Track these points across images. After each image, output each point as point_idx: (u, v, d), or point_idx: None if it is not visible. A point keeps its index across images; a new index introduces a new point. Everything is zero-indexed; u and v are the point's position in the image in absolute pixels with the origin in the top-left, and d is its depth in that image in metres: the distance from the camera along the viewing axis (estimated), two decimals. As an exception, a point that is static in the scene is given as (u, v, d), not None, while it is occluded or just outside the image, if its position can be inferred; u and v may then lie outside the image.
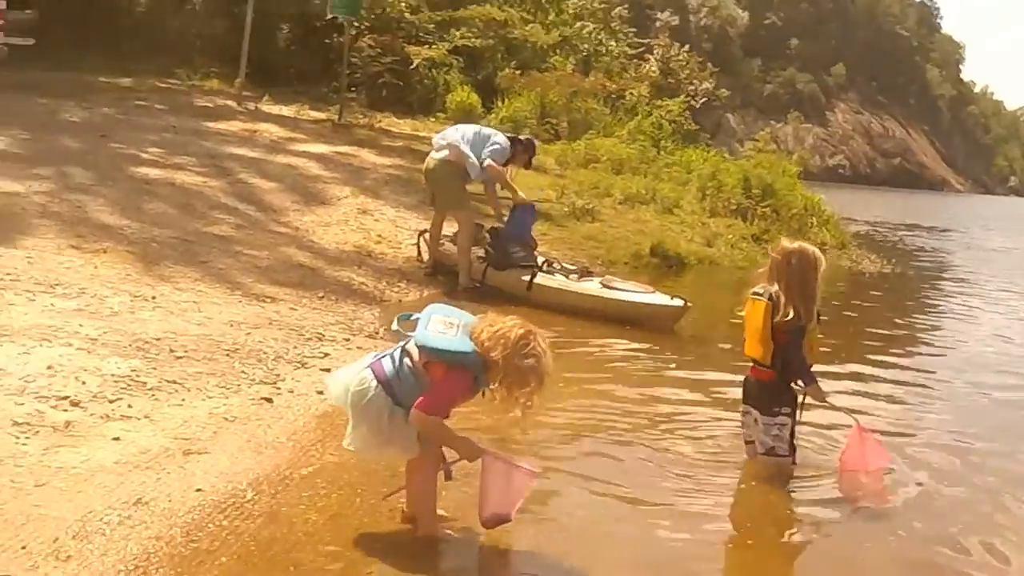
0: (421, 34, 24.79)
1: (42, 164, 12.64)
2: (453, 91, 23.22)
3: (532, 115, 22.47)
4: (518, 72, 24.49)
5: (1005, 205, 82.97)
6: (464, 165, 11.27)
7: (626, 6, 37.22)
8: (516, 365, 4.55)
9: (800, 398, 6.27)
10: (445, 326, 4.66)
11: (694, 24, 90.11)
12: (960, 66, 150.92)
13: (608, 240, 15.01)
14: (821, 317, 6.28)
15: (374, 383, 4.66)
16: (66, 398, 5.95)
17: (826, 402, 6.35)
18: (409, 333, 4.74)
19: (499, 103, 22.98)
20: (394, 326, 4.89)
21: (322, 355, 7.82)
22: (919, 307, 15.89)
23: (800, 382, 6.19)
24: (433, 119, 22.33)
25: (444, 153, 11.43)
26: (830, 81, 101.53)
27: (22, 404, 5.76)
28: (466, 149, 11.27)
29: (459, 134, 11.54)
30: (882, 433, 7.02)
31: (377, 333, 8.96)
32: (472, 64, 25.07)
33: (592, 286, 11.02)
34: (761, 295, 6.17)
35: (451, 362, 4.57)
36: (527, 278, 11.20)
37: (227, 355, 7.32)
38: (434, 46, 24.07)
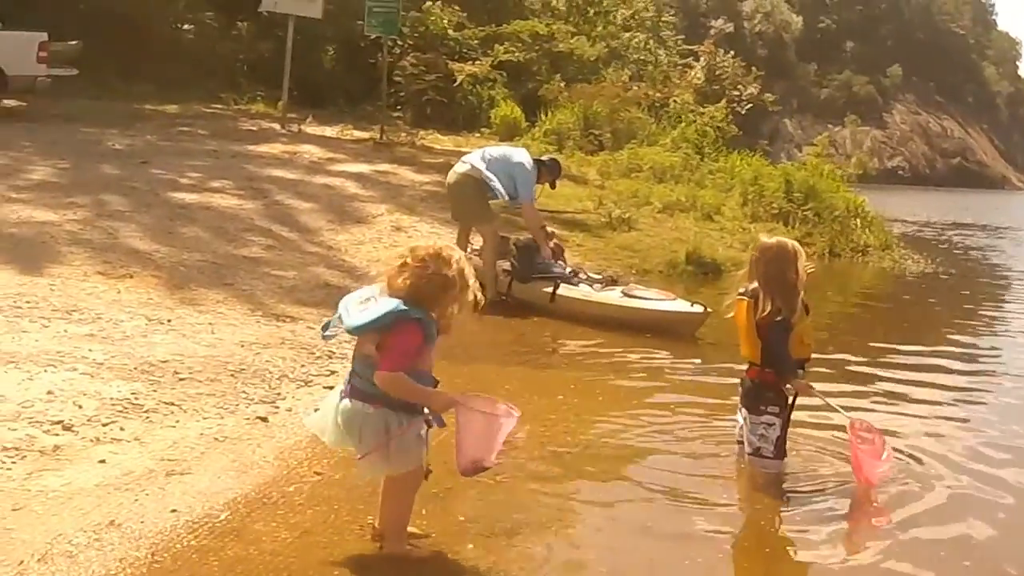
0: (465, 50, 24.86)
1: (79, 192, 12.85)
2: (497, 106, 23.27)
3: (575, 127, 22.44)
4: (562, 85, 24.44)
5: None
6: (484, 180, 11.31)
7: (674, 14, 37.21)
8: (431, 283, 4.55)
9: (790, 399, 6.17)
10: (362, 303, 4.65)
11: (748, 30, 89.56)
12: (1017, 63, 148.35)
13: (644, 249, 14.96)
14: (808, 309, 6.19)
15: (362, 405, 4.64)
16: (59, 422, 6.01)
17: (813, 395, 6.28)
18: (339, 328, 4.75)
19: (542, 116, 22.94)
20: (325, 334, 4.90)
21: (328, 372, 7.84)
22: (955, 307, 15.54)
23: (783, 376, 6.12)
24: (478, 134, 22.40)
25: (466, 167, 11.49)
26: (887, 82, 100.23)
27: (14, 429, 5.83)
28: (488, 174, 11.38)
29: (483, 157, 11.65)
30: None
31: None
32: (516, 78, 25.11)
33: (613, 295, 11.01)
34: (744, 294, 6.12)
35: (387, 324, 4.51)
36: (550, 289, 11.17)
37: (231, 375, 7.37)
38: (478, 62, 24.13)
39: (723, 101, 25.26)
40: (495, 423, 4.74)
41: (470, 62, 24.16)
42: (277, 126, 20.31)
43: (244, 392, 7.06)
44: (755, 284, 6.11)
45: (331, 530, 5.09)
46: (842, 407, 6.58)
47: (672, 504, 5.88)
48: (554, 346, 10.32)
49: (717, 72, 28.43)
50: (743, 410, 6.34)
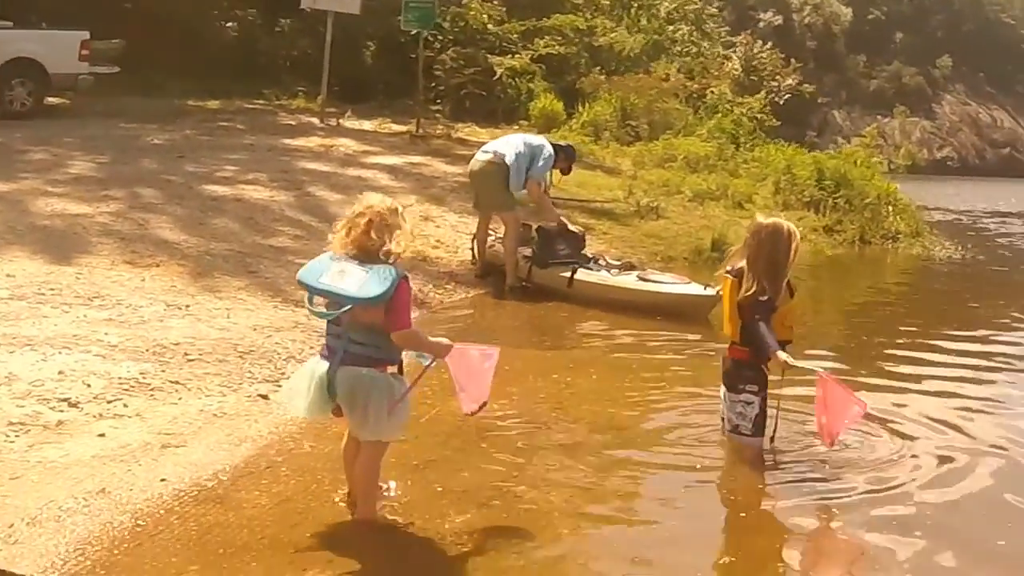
0: (505, 44, 24.96)
1: (115, 186, 13.13)
2: (536, 99, 23.37)
3: (612, 118, 22.50)
4: (602, 77, 24.48)
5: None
6: (508, 167, 11.49)
7: (723, 7, 37.06)
8: (410, 239, 5.05)
9: (770, 378, 6.26)
10: (340, 276, 4.86)
11: (798, 23, 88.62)
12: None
13: (670, 236, 15.06)
14: (793, 291, 6.28)
15: (367, 371, 4.91)
16: (66, 400, 6.27)
17: (791, 368, 6.13)
18: (320, 311, 5.07)
19: (580, 108, 23.03)
20: (321, 312, 5.10)
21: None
22: (976, 292, 15.59)
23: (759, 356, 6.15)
24: (516, 127, 22.43)
25: (488, 156, 11.68)
26: (936, 73, 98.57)
27: (22, 406, 6.10)
28: (513, 161, 11.55)
29: (508, 145, 11.86)
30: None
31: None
32: (556, 71, 25.17)
33: (629, 280, 11.16)
34: (730, 272, 6.21)
35: (391, 295, 4.80)
36: (567, 274, 11.33)
37: (240, 356, 7.60)
38: (517, 56, 24.24)
39: (761, 92, 25.23)
40: (484, 361, 5.30)
41: (510, 56, 24.25)
42: (316, 120, 20.56)
43: (250, 372, 7.29)
44: (742, 263, 6.18)
45: (310, 498, 5.30)
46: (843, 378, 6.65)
47: (649, 476, 6.04)
48: (565, 328, 10.50)
49: (754, 63, 28.34)
50: (723, 388, 6.43)
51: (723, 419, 6.47)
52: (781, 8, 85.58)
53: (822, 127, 77.94)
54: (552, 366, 8.56)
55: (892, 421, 7.27)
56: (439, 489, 5.53)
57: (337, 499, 5.28)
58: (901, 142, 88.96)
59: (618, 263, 11.83)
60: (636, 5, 31.55)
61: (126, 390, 6.58)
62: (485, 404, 5.35)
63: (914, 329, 11.77)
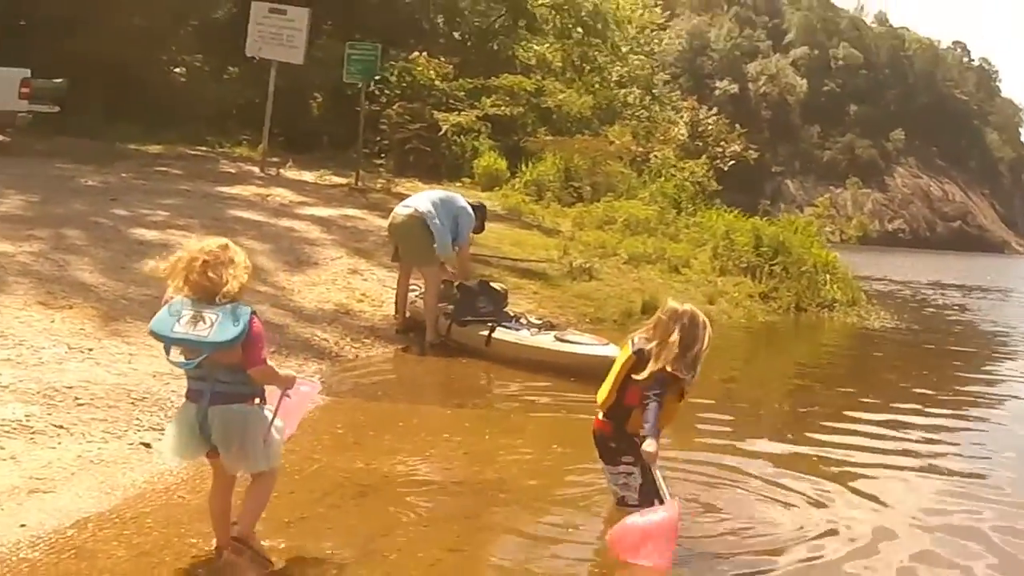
0: (452, 101, 25.06)
1: (42, 226, 12.95)
2: (480, 156, 23.46)
3: (556, 178, 22.60)
4: (547, 138, 24.63)
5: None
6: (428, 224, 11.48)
7: (680, 75, 37.64)
8: (247, 274, 5.06)
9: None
10: (193, 322, 4.86)
11: (753, 92, 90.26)
12: (1020, 129, 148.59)
13: (600, 298, 15.05)
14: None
15: (239, 406, 5.01)
16: (-58, 441, 6.09)
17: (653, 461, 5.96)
18: (179, 361, 5.04)
19: (523, 167, 23.12)
20: (188, 362, 5.03)
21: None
22: (907, 361, 15.72)
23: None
24: (459, 184, 22.51)
25: (410, 210, 11.66)
26: (889, 146, 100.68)
27: None
28: (435, 221, 11.58)
29: (428, 201, 11.85)
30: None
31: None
32: (503, 130, 25.30)
33: (546, 340, 11.12)
34: (636, 348, 6.13)
35: (246, 335, 4.87)
36: (485, 333, 11.28)
37: (131, 403, 7.48)
38: (463, 112, 24.34)
39: (703, 157, 25.48)
40: (309, 397, 5.63)
41: (456, 112, 24.34)
42: (256, 169, 20.47)
43: (138, 419, 7.16)
44: (651, 344, 6.08)
45: (169, 552, 5.18)
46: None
47: (517, 543, 5.90)
48: (476, 387, 10.45)
49: (700, 128, 28.66)
50: (601, 462, 6.36)
51: (612, 492, 6.38)
52: (737, 77, 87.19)
53: (775, 196, 79.20)
54: (450, 425, 8.48)
55: (816, 495, 7.24)
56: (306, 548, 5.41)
57: (197, 553, 5.15)
58: (853, 213, 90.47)
59: (538, 322, 11.79)
60: (587, 68, 31.87)
61: (7, 432, 6.45)
62: (290, 435, 5.54)
63: (840, 400, 11.77)
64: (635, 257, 17.60)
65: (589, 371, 10.51)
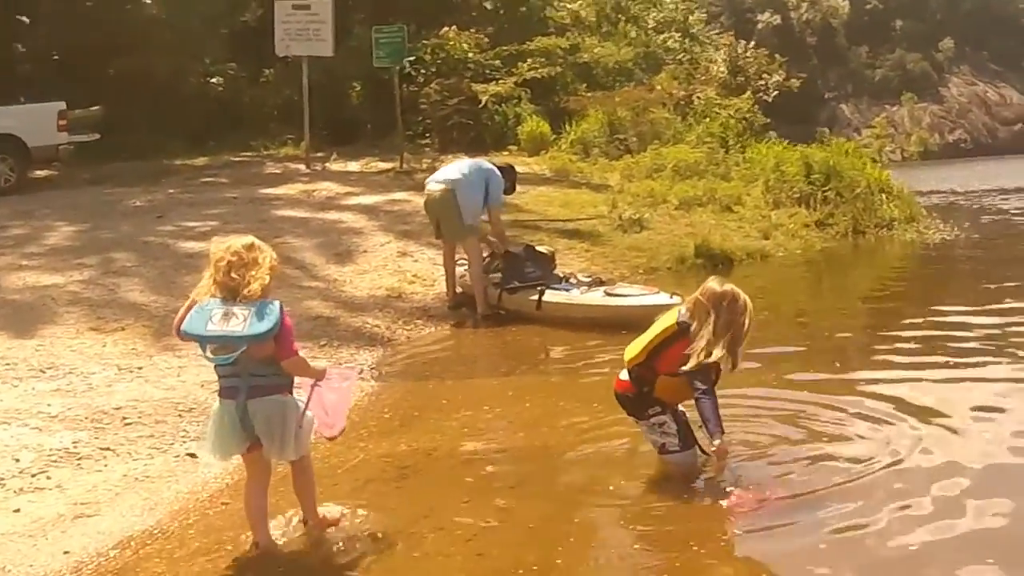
0: (488, 71, 24.89)
1: (90, 253, 13.12)
2: (523, 122, 23.31)
3: (600, 134, 22.36)
4: (588, 94, 24.35)
5: None
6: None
7: (720, 12, 37.06)
8: (272, 273, 5.22)
9: None
10: (225, 319, 5.03)
11: (796, 20, 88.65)
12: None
13: (652, 247, 14.88)
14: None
15: (277, 397, 5.20)
16: (-10, 477, 6.15)
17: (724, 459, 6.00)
18: (215, 358, 5.19)
19: (567, 127, 22.91)
20: (225, 359, 5.16)
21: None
22: (967, 274, 15.47)
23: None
24: (506, 152, 22.41)
25: (443, 184, 11.62)
26: (940, 57, 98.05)
27: (-51, 486, 5.99)
28: (464, 191, 11.60)
29: (458, 171, 11.92)
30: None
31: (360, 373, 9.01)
32: (543, 93, 25.10)
33: (596, 296, 11.03)
34: (679, 315, 6.06)
35: (279, 327, 5.04)
36: (535, 297, 11.20)
37: (178, 415, 7.51)
38: (501, 81, 24.16)
39: (747, 92, 25.02)
40: (348, 391, 5.77)
41: (494, 82, 24.17)
42: (303, 167, 20.52)
43: (184, 431, 7.19)
44: (697, 324, 5.93)
45: (208, 561, 5.14)
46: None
47: (577, 499, 5.83)
48: (528, 355, 10.39)
49: (739, 63, 28.12)
50: (633, 419, 6.27)
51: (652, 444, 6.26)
52: (778, 8, 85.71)
53: (831, 122, 77.76)
54: (495, 396, 8.45)
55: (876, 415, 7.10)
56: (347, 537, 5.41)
57: (229, 561, 5.15)
58: (912, 129, 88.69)
59: (588, 280, 11.69)
60: (623, 19, 31.49)
61: (54, 462, 6.50)
62: (343, 430, 5.66)
63: (904, 319, 11.50)
64: (686, 202, 17.34)
65: (640, 322, 10.39)
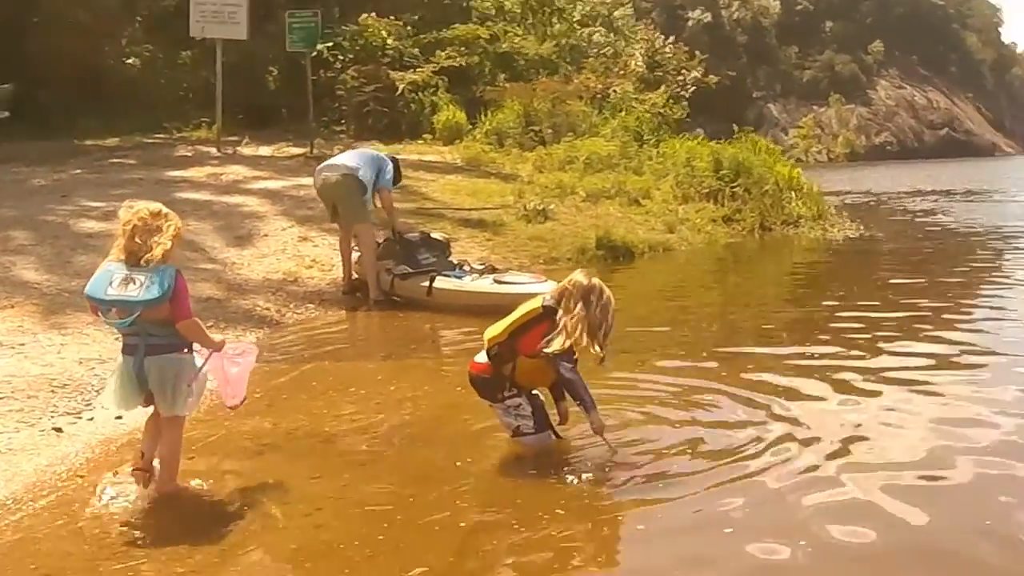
0: (406, 59, 24.94)
1: (-11, 231, 12.99)
2: (439, 111, 23.39)
3: (516, 124, 22.50)
4: (506, 85, 24.48)
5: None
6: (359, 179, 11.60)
7: (651, 8, 37.37)
8: (175, 238, 5.54)
9: None
10: (124, 284, 5.36)
11: (727, 19, 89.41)
12: (999, 29, 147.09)
13: (555, 238, 15.08)
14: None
15: (171, 355, 5.56)
16: None
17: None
18: (114, 320, 5.54)
19: (483, 117, 23.02)
20: (123, 321, 5.51)
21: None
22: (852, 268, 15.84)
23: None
24: (420, 141, 22.52)
25: (341, 170, 11.76)
26: (869, 59, 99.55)
27: None
28: (365, 172, 11.82)
29: (353, 159, 12.18)
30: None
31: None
32: (462, 82, 25.17)
33: (485, 283, 11.18)
34: (544, 300, 6.20)
35: (171, 292, 5.37)
36: (426, 283, 11.33)
37: (51, 391, 7.54)
38: (419, 69, 24.23)
39: (661, 88, 25.33)
40: (246, 364, 5.96)
41: (412, 70, 24.22)
42: (214, 150, 20.43)
43: (54, 406, 7.22)
44: (563, 311, 6.07)
45: (54, 534, 5.22)
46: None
47: (424, 476, 5.96)
48: (407, 340, 10.54)
49: (657, 58, 28.41)
50: (487, 402, 6.41)
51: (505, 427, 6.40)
52: (709, 5, 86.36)
53: (759, 120, 78.52)
54: (364, 378, 8.59)
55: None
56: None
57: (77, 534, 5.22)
58: (839, 130, 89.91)
59: (481, 267, 11.84)
60: (547, 11, 31.63)
61: (-82, 434, 6.49)
62: (244, 400, 6.01)
63: (782, 311, 11.82)
64: (594, 194, 17.57)
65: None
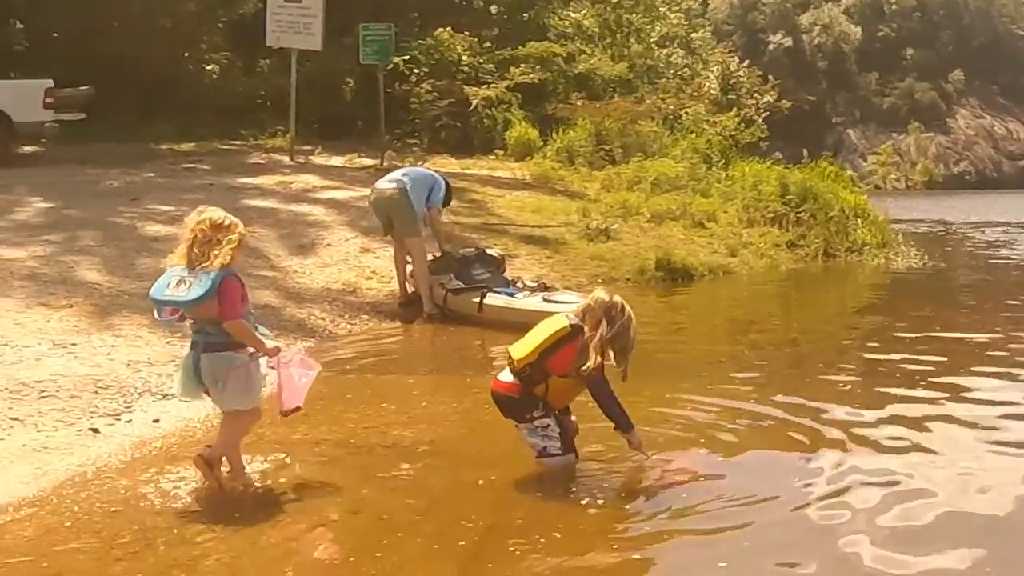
0: (480, 74, 25.06)
1: (57, 230, 13.25)
2: (511, 127, 23.43)
3: (587, 143, 22.43)
4: (579, 103, 24.44)
5: None
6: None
7: (732, 31, 37.20)
8: (238, 247, 5.86)
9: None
10: (178, 286, 5.75)
11: (807, 43, 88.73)
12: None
13: (615, 258, 15.02)
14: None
15: (225, 352, 5.87)
16: None
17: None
18: (168, 319, 6.14)
19: (553, 135, 23.02)
20: (161, 319, 6.17)
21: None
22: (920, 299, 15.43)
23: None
24: (492, 156, 22.57)
25: (394, 184, 11.87)
26: (949, 88, 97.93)
27: None
28: (414, 190, 12.02)
29: (406, 175, 12.38)
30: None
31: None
32: (535, 99, 25.17)
33: (534, 301, 11.15)
34: (570, 318, 6.22)
35: (218, 287, 5.68)
36: (477, 299, 11.35)
37: (95, 392, 7.66)
38: (492, 85, 24.31)
39: (732, 110, 25.18)
40: (307, 375, 6.17)
41: (486, 86, 24.32)
42: (287, 158, 20.68)
43: (95, 407, 7.35)
44: (589, 328, 6.12)
45: (75, 531, 5.29)
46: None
47: (439, 492, 5.96)
48: (453, 355, 10.57)
49: (731, 81, 28.26)
50: (512, 421, 6.38)
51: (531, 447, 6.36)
52: (790, 30, 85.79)
53: (837, 146, 77.86)
54: (400, 392, 8.61)
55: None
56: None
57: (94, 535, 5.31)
58: (917, 158, 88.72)
59: (533, 285, 11.85)
60: (625, 31, 31.58)
61: (-39, 430, 6.62)
62: (298, 409, 6.16)
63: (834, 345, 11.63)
64: (658, 215, 17.46)
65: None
